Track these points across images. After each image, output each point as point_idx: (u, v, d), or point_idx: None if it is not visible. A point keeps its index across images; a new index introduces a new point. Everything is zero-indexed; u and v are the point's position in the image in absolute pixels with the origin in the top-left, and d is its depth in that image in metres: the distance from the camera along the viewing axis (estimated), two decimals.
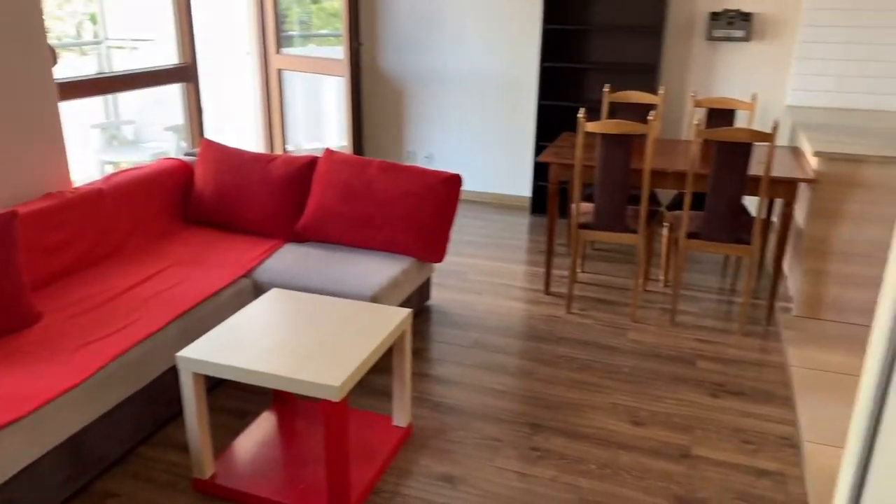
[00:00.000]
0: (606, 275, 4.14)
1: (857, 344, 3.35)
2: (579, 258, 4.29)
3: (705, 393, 2.95)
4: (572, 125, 5.15)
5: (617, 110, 4.31)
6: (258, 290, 3.06)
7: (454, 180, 3.28)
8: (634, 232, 3.50)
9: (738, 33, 4.56)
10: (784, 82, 4.65)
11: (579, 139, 3.36)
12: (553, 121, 5.18)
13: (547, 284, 3.89)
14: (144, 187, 3.36)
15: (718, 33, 4.60)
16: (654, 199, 4.01)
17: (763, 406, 2.86)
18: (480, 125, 5.41)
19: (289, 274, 3.04)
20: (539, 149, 5.13)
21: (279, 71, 5.04)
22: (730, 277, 4.13)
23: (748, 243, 3.37)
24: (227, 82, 6.18)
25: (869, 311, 3.52)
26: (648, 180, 3.36)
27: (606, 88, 4.27)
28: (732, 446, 2.60)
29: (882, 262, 3.43)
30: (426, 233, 3.24)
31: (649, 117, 3.26)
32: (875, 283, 3.48)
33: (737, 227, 3.35)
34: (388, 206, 3.24)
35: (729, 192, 3.28)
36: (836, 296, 3.55)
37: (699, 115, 4.60)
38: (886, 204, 3.35)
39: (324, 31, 5.35)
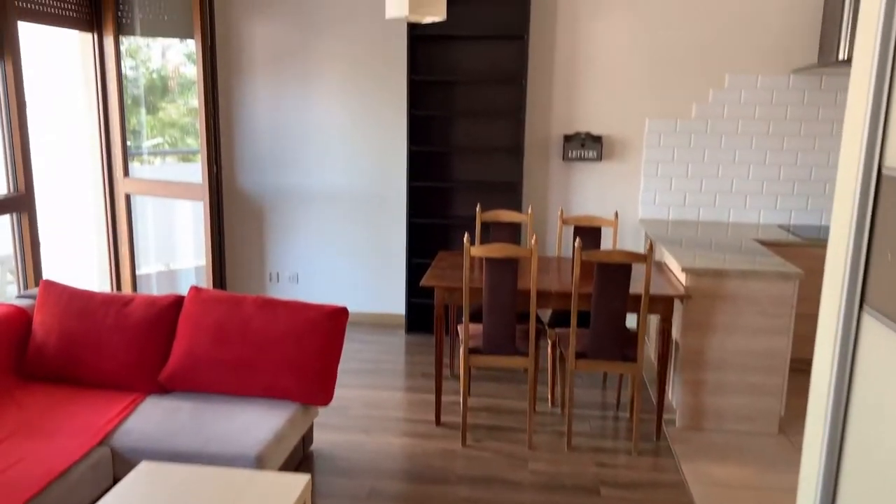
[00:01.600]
0: (495, 397, 4.03)
1: (745, 454, 3.45)
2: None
3: None
4: (443, 242, 5.15)
5: (489, 229, 4.36)
6: (119, 461, 2.61)
7: (340, 314, 3.07)
8: (525, 354, 3.45)
9: (591, 153, 4.85)
10: (635, 198, 4.97)
11: (466, 262, 3.31)
12: (424, 237, 5.16)
13: (438, 415, 3.70)
14: None
15: (573, 153, 4.87)
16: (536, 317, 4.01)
17: None
18: (348, 243, 5.27)
19: (155, 437, 2.63)
20: (413, 266, 5.06)
21: (127, 196, 4.64)
22: (612, 391, 4.18)
23: (634, 360, 3.42)
24: (63, 210, 5.61)
25: (745, 416, 3.67)
26: (535, 302, 3.35)
27: (478, 208, 4.32)
28: None
29: (751, 369, 3.61)
30: (312, 374, 2.97)
31: (531, 242, 3.28)
32: (748, 389, 3.64)
33: (622, 344, 3.40)
34: (268, 347, 2.95)
35: (612, 311, 3.34)
36: (715, 404, 3.68)
37: (567, 232, 4.78)
38: (750, 314, 3.56)
39: (168, 149, 5.04)
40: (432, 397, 4.01)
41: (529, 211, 4.30)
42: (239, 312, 3.01)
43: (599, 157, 4.87)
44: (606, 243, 4.90)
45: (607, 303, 3.32)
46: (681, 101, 4.81)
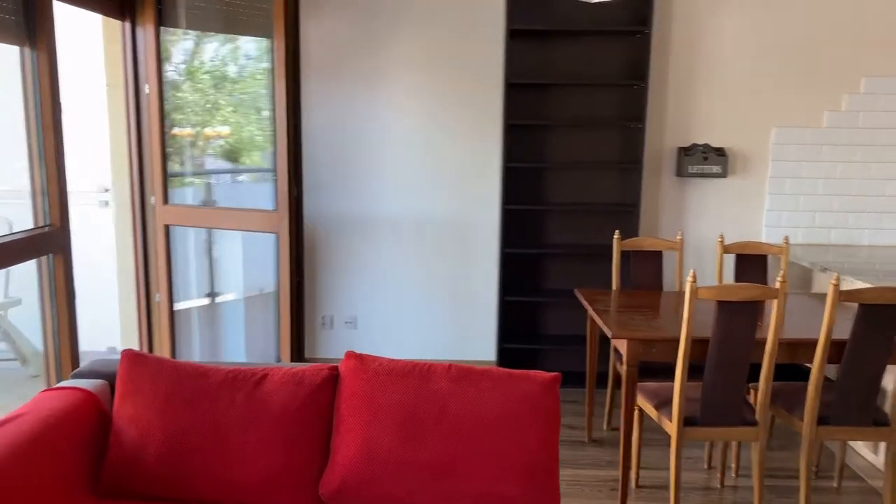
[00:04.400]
0: (657, 468, 3.24)
1: None
2: (634, 451, 3.35)
3: None
4: (540, 277, 4.35)
5: (630, 259, 3.60)
6: None
7: (555, 383, 2.22)
8: (754, 424, 2.68)
9: (715, 168, 4.18)
10: (758, 218, 4.32)
11: (688, 308, 2.52)
12: (517, 271, 4.34)
13: (623, 501, 2.88)
14: (20, 455, 1.84)
15: (693, 168, 4.18)
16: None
17: None
18: (420, 280, 4.39)
19: None
20: (505, 305, 4.23)
21: (166, 227, 3.63)
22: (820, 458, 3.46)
23: (887, 424, 2.71)
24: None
25: None
26: (774, 356, 2.60)
27: (616, 235, 3.56)
28: None
29: None
30: (535, 471, 2.10)
31: (779, 278, 2.54)
32: None
33: (873, 404, 2.69)
34: (476, 438, 2.07)
35: (873, 364, 2.62)
36: None
37: (728, 261, 4.06)
38: None
39: (228, 167, 4.03)
40: (596, 472, 3.18)
41: (679, 237, 3.57)
42: (429, 388, 2.12)
43: (724, 173, 4.19)
44: (773, 273, 4.19)
45: (867, 353, 2.60)
46: (810, 109, 4.22)
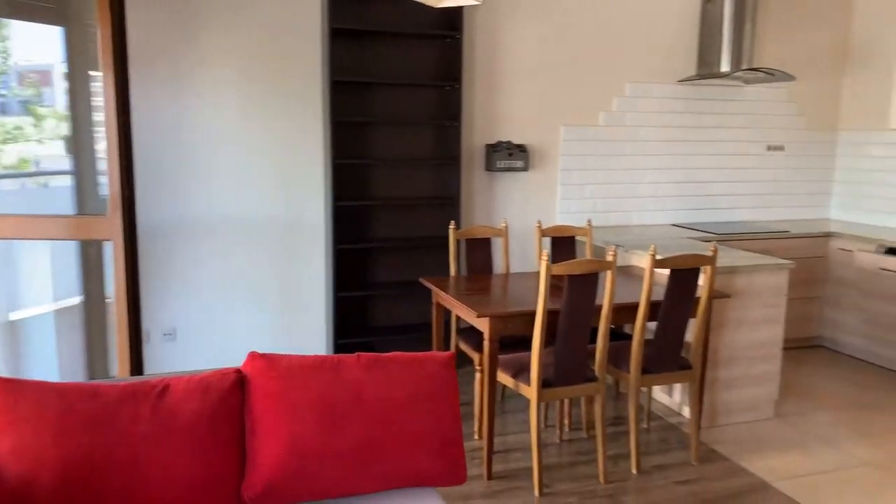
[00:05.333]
0: (505, 433, 3.58)
1: (771, 441, 3.55)
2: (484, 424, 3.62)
3: None
4: (371, 271, 4.46)
5: (463, 247, 3.88)
6: None
7: (452, 360, 2.40)
8: (595, 380, 3.10)
9: (519, 163, 4.65)
10: (553, 207, 4.88)
11: (544, 283, 2.85)
12: (347, 267, 4.41)
13: (489, 468, 3.14)
14: None
15: (501, 164, 4.60)
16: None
17: None
18: (244, 284, 4.26)
19: None
20: (340, 301, 4.29)
21: None
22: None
23: (690, 367, 3.31)
24: None
25: (749, 407, 3.79)
26: (609, 320, 3.04)
27: (452, 226, 3.82)
28: None
29: (753, 360, 3.75)
30: (444, 445, 2.26)
31: (610, 252, 2.97)
32: (751, 380, 3.77)
33: (680, 353, 3.27)
34: (393, 420, 2.17)
35: (679, 319, 3.18)
36: (726, 400, 3.74)
37: (546, 244, 4.47)
38: (754, 307, 3.70)
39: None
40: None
41: (504, 224, 3.94)
42: (343, 379, 2.16)
43: (527, 167, 4.68)
44: (581, 253, 4.68)
45: (676, 310, 3.16)
46: (589, 109, 4.87)
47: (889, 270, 4.50)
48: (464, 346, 3.62)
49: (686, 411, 3.86)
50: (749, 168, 5.35)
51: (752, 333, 3.72)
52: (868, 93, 5.33)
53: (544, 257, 2.85)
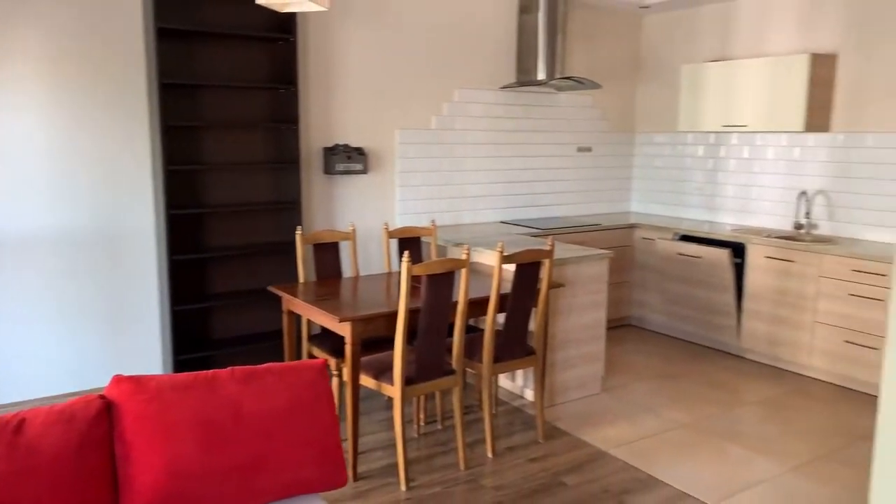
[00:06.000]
0: (364, 434, 3.64)
1: (607, 414, 3.95)
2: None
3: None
4: (209, 282, 4.27)
5: (315, 252, 3.86)
6: None
7: (325, 367, 2.42)
8: (453, 372, 3.26)
9: (358, 166, 4.70)
10: (392, 208, 5.00)
11: (405, 284, 2.95)
12: (181, 277, 4.18)
13: (354, 469, 3.18)
14: None
15: (340, 167, 4.63)
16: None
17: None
18: (61, 305, 3.90)
19: None
20: (178, 316, 4.06)
21: None
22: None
23: (534, 353, 3.58)
24: None
25: (581, 385, 4.18)
26: (465, 314, 3.21)
27: (299, 231, 3.79)
28: None
29: (583, 341, 4.14)
30: (326, 451, 2.27)
31: (463, 251, 3.13)
32: (581, 359, 4.15)
33: (525, 341, 3.53)
34: (274, 432, 2.15)
35: (524, 310, 3.44)
36: (562, 380, 4.09)
37: (393, 245, 4.52)
38: (582, 294, 4.08)
39: None
40: None
41: (351, 227, 3.98)
42: (220, 395, 2.10)
43: (366, 170, 4.75)
44: (426, 252, 4.78)
45: (521, 302, 3.40)
46: (422, 114, 5.05)
47: (684, 255, 5.16)
48: (318, 353, 3.61)
49: (528, 394, 4.16)
50: (564, 168, 5.85)
51: (581, 318, 4.10)
52: (658, 99, 6.05)
53: (406, 259, 2.94)
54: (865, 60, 4.64)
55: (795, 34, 5.01)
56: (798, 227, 5.03)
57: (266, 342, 4.30)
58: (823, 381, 4.51)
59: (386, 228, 4.06)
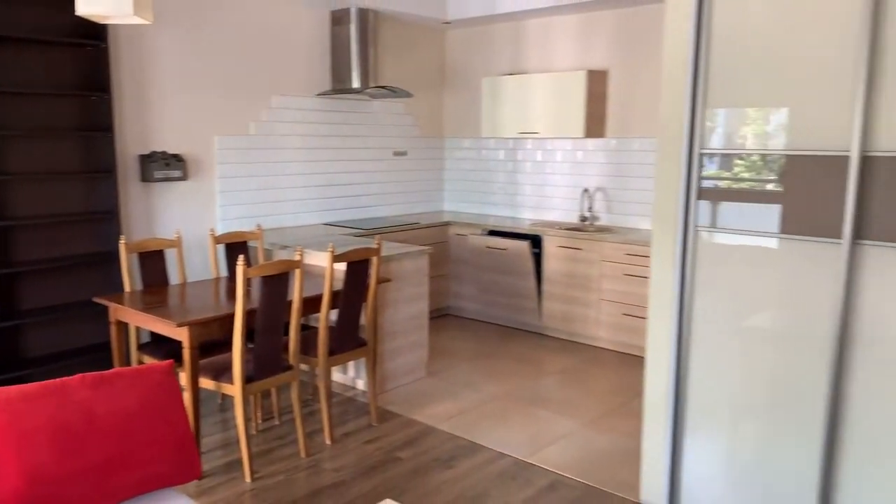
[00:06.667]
0: (214, 434, 3.73)
1: (434, 395, 4.36)
2: None
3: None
4: (14, 296, 4.06)
5: (141, 260, 3.85)
6: None
7: (171, 367, 2.54)
8: (291, 368, 3.47)
9: (176, 173, 4.70)
10: (214, 214, 5.04)
11: (241, 287, 3.12)
12: None
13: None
14: None
15: (158, 174, 4.60)
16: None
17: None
18: None
19: None
20: None
21: None
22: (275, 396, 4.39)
23: (366, 344, 3.89)
24: None
25: (408, 370, 4.56)
26: (300, 311, 3.43)
27: (122, 240, 3.76)
28: None
29: (409, 330, 4.52)
30: (180, 446, 2.41)
31: (296, 252, 3.35)
32: (408, 348, 4.53)
33: (357, 334, 3.82)
34: (128, 433, 2.26)
35: (356, 304, 3.73)
36: (392, 368, 4.44)
37: (220, 250, 4.53)
38: (406, 287, 4.46)
39: None
40: None
41: (177, 235, 4.01)
42: (72, 401, 2.16)
43: (185, 177, 4.75)
44: (254, 256, 4.81)
45: (353, 297, 3.69)
46: (240, 120, 5.14)
47: (492, 248, 5.74)
48: (149, 361, 3.63)
49: (359, 384, 4.46)
50: (382, 171, 6.21)
51: (406, 309, 4.48)
52: (463, 107, 6.61)
53: (241, 262, 3.11)
54: (630, 77, 5.50)
55: (574, 52, 5.78)
56: (583, 219, 5.81)
57: (89, 356, 4.19)
58: (610, 350, 5.29)
59: (212, 234, 4.14)
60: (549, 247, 5.50)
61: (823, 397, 2.57)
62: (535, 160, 6.16)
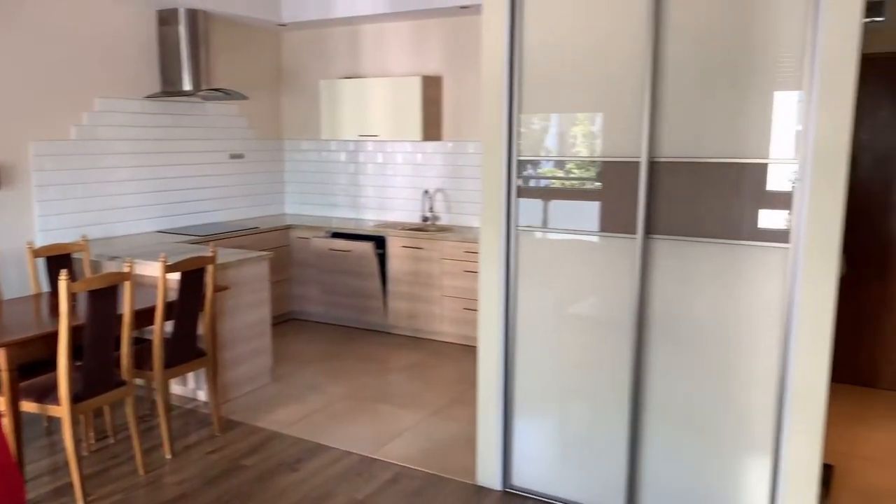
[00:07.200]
0: (39, 460, 3.50)
1: (280, 400, 4.37)
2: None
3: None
4: None
5: None
6: None
7: None
8: (125, 383, 3.35)
9: None
10: (32, 226, 4.69)
11: (65, 303, 2.97)
12: None
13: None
14: None
15: None
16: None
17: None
18: None
19: None
20: None
21: None
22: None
23: (205, 355, 3.82)
24: None
25: (251, 378, 4.52)
26: (132, 324, 3.32)
27: None
28: None
29: (251, 337, 4.48)
30: (3, 473, 2.29)
31: (125, 263, 3.24)
32: (250, 355, 4.50)
33: (195, 344, 3.75)
34: None
35: (190, 316, 3.65)
36: (233, 376, 4.39)
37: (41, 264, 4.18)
38: (245, 293, 4.42)
39: None
40: None
41: None
42: None
43: None
44: (79, 268, 4.47)
45: (188, 307, 3.62)
46: (59, 124, 4.82)
47: (335, 250, 5.80)
48: None
49: (200, 395, 4.36)
50: (218, 174, 6.05)
51: (247, 316, 4.44)
52: (302, 109, 6.60)
53: (64, 276, 2.96)
54: (462, 83, 5.77)
55: (409, 58, 5.97)
56: (425, 219, 6.02)
57: None
58: (452, 343, 5.54)
59: (30, 247, 3.88)
60: (393, 247, 5.65)
61: (628, 372, 2.91)
62: (377, 162, 6.29)
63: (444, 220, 6.02)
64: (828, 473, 3.40)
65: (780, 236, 2.57)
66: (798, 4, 2.45)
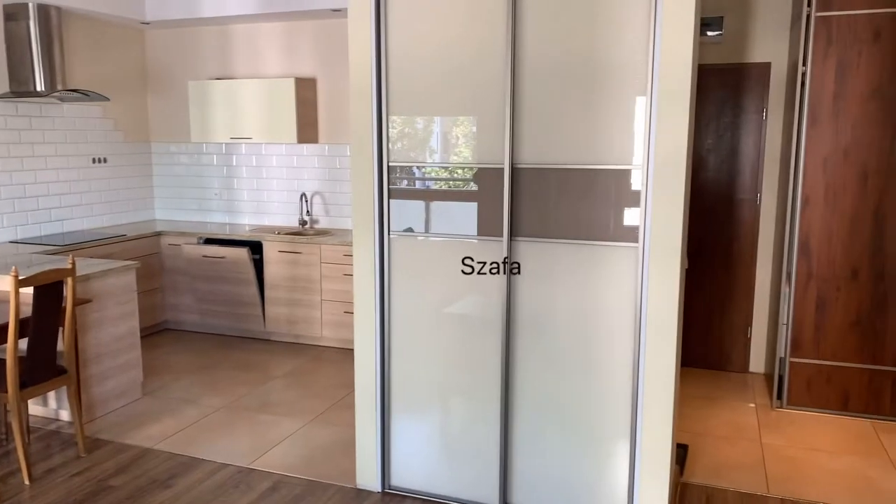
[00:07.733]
0: None
1: (149, 417, 4.20)
2: None
3: None
4: None
5: None
6: None
7: None
8: (66, 371, 3.11)
9: None
10: None
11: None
12: None
13: None
14: None
15: None
16: None
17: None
18: None
19: None
20: None
21: None
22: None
23: (67, 372, 3.61)
24: None
25: (119, 394, 4.32)
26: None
27: None
28: None
29: (119, 351, 4.28)
30: None
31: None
32: (119, 369, 4.29)
33: (55, 362, 3.54)
34: None
35: (48, 333, 3.44)
36: (100, 394, 4.17)
37: None
38: (110, 306, 4.21)
39: None
40: None
41: None
42: None
43: None
44: None
45: (45, 323, 3.41)
46: None
47: (209, 257, 5.63)
48: None
49: (63, 415, 4.11)
50: (79, 180, 5.71)
51: (112, 329, 4.23)
52: (170, 111, 6.34)
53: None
54: (336, 85, 5.76)
55: (282, 59, 5.88)
56: (303, 223, 5.96)
57: None
58: (333, 347, 5.52)
59: None
60: (270, 252, 5.55)
61: (499, 370, 3.04)
62: (251, 165, 6.16)
63: (322, 224, 5.98)
64: (682, 452, 3.70)
65: (631, 236, 2.78)
66: (640, 18, 2.65)
